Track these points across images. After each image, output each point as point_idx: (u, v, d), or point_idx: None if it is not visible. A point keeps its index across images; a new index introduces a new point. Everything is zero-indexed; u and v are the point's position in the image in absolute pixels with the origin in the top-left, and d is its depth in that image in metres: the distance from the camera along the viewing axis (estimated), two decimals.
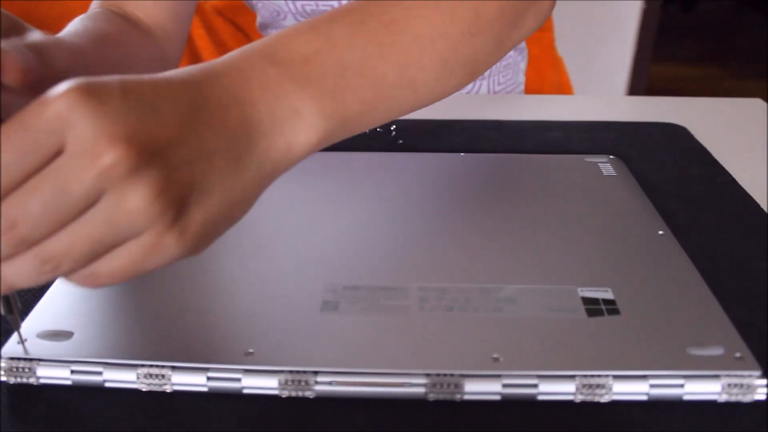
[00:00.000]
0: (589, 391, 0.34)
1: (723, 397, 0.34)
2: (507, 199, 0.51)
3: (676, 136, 0.64)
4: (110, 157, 0.27)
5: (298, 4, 0.76)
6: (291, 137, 0.33)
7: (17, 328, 0.35)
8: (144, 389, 0.35)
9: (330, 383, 0.34)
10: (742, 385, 0.33)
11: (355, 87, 0.36)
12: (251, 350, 0.35)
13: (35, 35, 0.40)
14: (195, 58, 1.03)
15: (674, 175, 0.56)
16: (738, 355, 0.34)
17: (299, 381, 0.34)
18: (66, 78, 0.43)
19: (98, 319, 0.38)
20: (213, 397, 0.34)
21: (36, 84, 0.40)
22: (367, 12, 0.39)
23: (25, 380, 0.35)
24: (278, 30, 0.86)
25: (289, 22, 0.80)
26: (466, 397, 0.34)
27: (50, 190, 0.27)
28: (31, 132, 0.27)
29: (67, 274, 0.29)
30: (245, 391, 0.34)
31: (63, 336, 0.36)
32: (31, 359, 0.35)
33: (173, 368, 0.34)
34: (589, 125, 0.66)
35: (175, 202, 0.29)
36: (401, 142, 0.61)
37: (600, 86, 1.88)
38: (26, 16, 1.08)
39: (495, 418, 0.33)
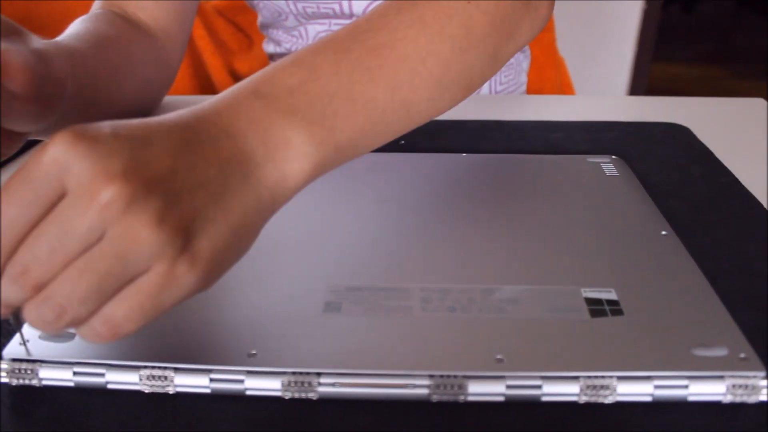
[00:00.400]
0: (593, 392, 0.34)
1: (728, 398, 0.34)
2: (509, 199, 0.51)
3: (678, 136, 0.64)
4: (108, 193, 0.27)
5: (300, 5, 0.76)
6: (284, 166, 0.34)
7: (19, 329, 0.35)
8: (146, 391, 0.35)
9: (333, 384, 0.34)
10: (746, 386, 0.33)
11: (345, 113, 0.36)
12: (254, 352, 0.35)
13: (34, 41, 0.40)
14: (196, 58, 1.03)
15: (677, 175, 0.56)
16: (742, 355, 0.34)
17: (302, 382, 0.34)
18: (64, 81, 0.43)
19: None
20: (216, 398, 0.34)
21: (38, 89, 0.40)
22: (352, 39, 0.39)
23: (27, 382, 0.35)
24: (279, 30, 0.86)
25: (291, 23, 0.80)
26: (470, 398, 0.34)
27: (55, 232, 0.27)
28: (31, 183, 0.27)
29: (78, 323, 0.29)
30: (248, 392, 0.34)
31: (65, 337, 0.36)
32: (33, 360, 0.35)
33: (176, 370, 0.34)
34: (591, 125, 0.66)
35: (181, 230, 0.29)
36: (403, 142, 0.61)
37: (601, 86, 1.88)
38: (27, 17, 1.08)
39: (498, 419, 0.33)
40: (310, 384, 0.34)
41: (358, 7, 0.75)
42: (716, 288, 0.40)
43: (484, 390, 0.34)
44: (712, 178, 0.55)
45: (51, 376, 0.35)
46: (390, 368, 0.34)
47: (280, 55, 0.85)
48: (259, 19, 0.86)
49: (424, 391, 0.34)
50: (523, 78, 0.89)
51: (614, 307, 0.38)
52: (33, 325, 0.29)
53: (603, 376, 0.34)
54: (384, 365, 0.34)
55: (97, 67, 0.53)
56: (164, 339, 0.36)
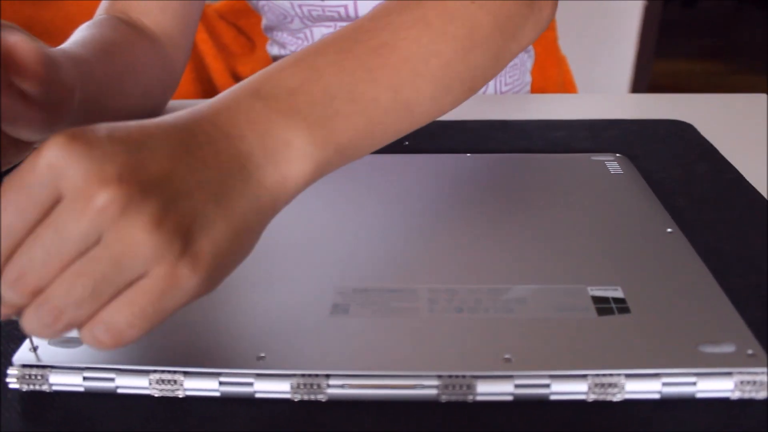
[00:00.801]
0: (602, 390, 0.34)
1: (736, 395, 0.34)
2: (514, 199, 0.51)
3: (682, 133, 0.64)
4: (103, 197, 0.27)
5: (305, 8, 0.76)
6: (284, 168, 0.33)
7: (29, 335, 0.36)
8: (156, 395, 0.35)
9: (342, 386, 0.34)
10: (755, 382, 0.33)
11: (346, 114, 0.36)
12: (263, 354, 0.35)
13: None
14: (198, 62, 1.03)
15: (681, 173, 0.56)
16: (750, 352, 0.34)
17: (311, 384, 0.34)
18: (73, 89, 0.43)
19: None
20: (225, 401, 0.34)
21: (47, 92, 0.40)
22: (353, 39, 0.39)
23: (37, 387, 0.35)
24: (284, 32, 0.86)
25: (296, 25, 0.80)
26: (479, 398, 0.34)
27: (51, 237, 0.27)
28: (27, 188, 0.27)
29: (76, 326, 0.29)
30: (257, 395, 0.34)
31: (75, 342, 0.36)
32: (43, 366, 0.35)
33: (185, 373, 0.35)
34: (595, 124, 0.66)
35: (179, 232, 0.28)
36: (407, 143, 0.61)
37: (603, 84, 1.88)
38: (31, 21, 1.09)
39: (507, 418, 0.33)
40: (319, 386, 0.34)
41: (364, 10, 0.75)
42: (722, 284, 0.40)
43: (492, 390, 0.34)
44: (716, 174, 0.55)
45: (61, 382, 0.35)
46: (398, 369, 0.34)
47: None
48: (264, 21, 0.86)
49: (433, 392, 0.34)
50: (528, 78, 0.89)
51: (621, 305, 0.38)
52: (31, 330, 0.29)
53: (611, 374, 0.34)
54: (392, 366, 0.34)
55: (102, 73, 0.53)
56: (173, 343, 0.36)
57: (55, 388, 0.35)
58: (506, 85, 0.84)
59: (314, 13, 0.76)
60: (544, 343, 0.36)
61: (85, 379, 0.35)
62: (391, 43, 0.39)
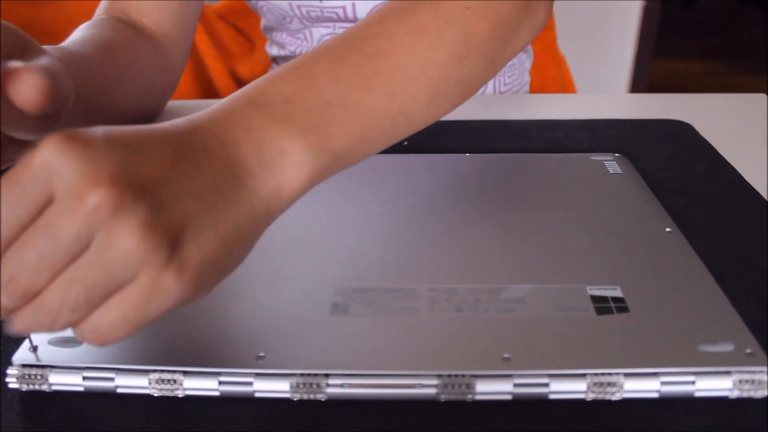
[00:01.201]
0: (601, 389, 0.34)
1: (734, 393, 0.34)
2: (513, 199, 0.51)
3: (681, 133, 0.64)
4: (95, 198, 0.27)
5: (303, 9, 0.76)
6: (280, 176, 0.33)
7: (28, 335, 0.36)
8: (156, 394, 0.35)
9: (341, 386, 0.34)
10: (753, 381, 0.33)
11: (341, 121, 0.36)
12: (262, 354, 0.35)
13: (42, 54, 0.40)
14: (197, 62, 1.03)
15: (680, 172, 0.56)
16: (748, 350, 0.34)
17: (311, 384, 0.34)
18: (70, 97, 0.43)
19: None
20: (225, 401, 0.35)
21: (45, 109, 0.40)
22: (348, 47, 0.39)
23: (37, 387, 0.35)
24: (283, 33, 0.86)
25: (295, 25, 0.80)
26: (478, 397, 0.34)
27: (42, 237, 0.27)
28: (21, 184, 0.27)
29: (73, 325, 0.29)
30: (257, 394, 0.34)
31: (74, 342, 0.36)
32: (43, 366, 0.35)
33: (185, 373, 0.35)
34: (594, 123, 0.66)
35: (167, 239, 0.28)
36: (406, 143, 0.61)
37: (602, 84, 1.88)
38: (31, 22, 1.09)
39: (506, 417, 0.33)
40: (318, 385, 0.34)
41: (363, 10, 0.75)
42: (721, 284, 0.40)
43: (491, 389, 0.34)
44: (715, 174, 0.55)
45: (61, 381, 0.35)
46: (398, 368, 0.34)
47: (284, 58, 0.85)
48: (263, 22, 0.86)
49: (432, 391, 0.34)
50: (527, 78, 0.89)
51: (620, 305, 0.38)
52: (29, 329, 0.29)
53: (610, 373, 0.34)
54: (392, 366, 0.35)
55: (101, 73, 0.53)
56: (173, 342, 0.36)
57: (54, 387, 0.35)
58: (505, 85, 0.84)
59: (313, 14, 0.76)
60: (543, 343, 0.36)
61: (84, 378, 0.35)
62: (385, 50, 0.39)
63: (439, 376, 0.34)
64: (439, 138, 0.63)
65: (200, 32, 1.02)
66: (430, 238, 0.46)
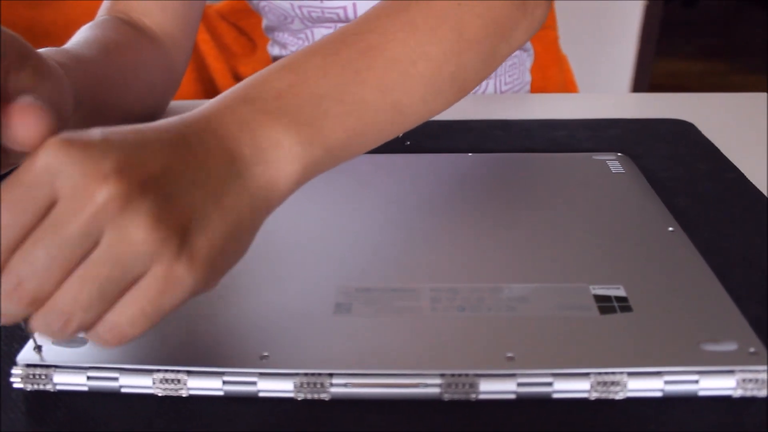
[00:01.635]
0: (604, 388, 0.34)
1: (738, 393, 0.34)
2: (516, 198, 0.51)
3: (683, 132, 0.64)
4: (103, 194, 0.27)
5: (305, 10, 0.76)
6: (275, 167, 0.34)
7: (32, 335, 0.36)
8: (160, 394, 0.35)
9: (345, 385, 0.34)
10: (756, 380, 0.33)
11: (335, 114, 0.36)
12: (266, 354, 0.35)
13: (42, 65, 0.39)
14: (199, 62, 1.03)
15: (682, 172, 0.56)
16: (752, 350, 0.34)
17: (314, 383, 0.34)
18: (69, 111, 0.42)
19: None
20: (229, 400, 0.35)
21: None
22: (341, 42, 0.39)
23: (41, 387, 0.35)
24: (285, 33, 0.86)
25: (297, 26, 0.80)
26: (481, 396, 0.34)
27: (50, 238, 0.27)
28: (23, 189, 0.27)
29: (85, 328, 0.29)
30: (261, 394, 0.34)
31: (78, 342, 0.36)
32: (47, 366, 0.35)
33: (189, 373, 0.35)
34: (596, 123, 0.66)
35: (177, 229, 0.28)
36: (408, 143, 0.61)
37: (604, 83, 1.88)
38: (33, 23, 1.09)
39: (510, 417, 0.33)
40: (322, 385, 0.34)
41: (363, 11, 0.75)
42: (724, 283, 0.40)
43: (495, 388, 0.34)
44: (717, 173, 0.55)
45: (65, 381, 0.35)
46: (401, 368, 0.34)
47: None
48: (264, 22, 0.86)
49: (436, 390, 0.34)
50: (527, 77, 0.89)
51: (623, 304, 0.38)
52: (42, 333, 0.29)
53: (613, 373, 0.34)
54: (395, 365, 0.35)
55: (104, 74, 0.53)
56: (177, 342, 0.36)
57: (58, 387, 0.35)
58: (506, 84, 0.84)
59: (314, 14, 0.76)
60: (547, 342, 0.36)
61: (88, 378, 0.35)
62: (378, 45, 0.39)
63: (442, 375, 0.34)
64: (440, 138, 0.63)
65: (202, 32, 1.02)
66: (432, 237, 0.46)
